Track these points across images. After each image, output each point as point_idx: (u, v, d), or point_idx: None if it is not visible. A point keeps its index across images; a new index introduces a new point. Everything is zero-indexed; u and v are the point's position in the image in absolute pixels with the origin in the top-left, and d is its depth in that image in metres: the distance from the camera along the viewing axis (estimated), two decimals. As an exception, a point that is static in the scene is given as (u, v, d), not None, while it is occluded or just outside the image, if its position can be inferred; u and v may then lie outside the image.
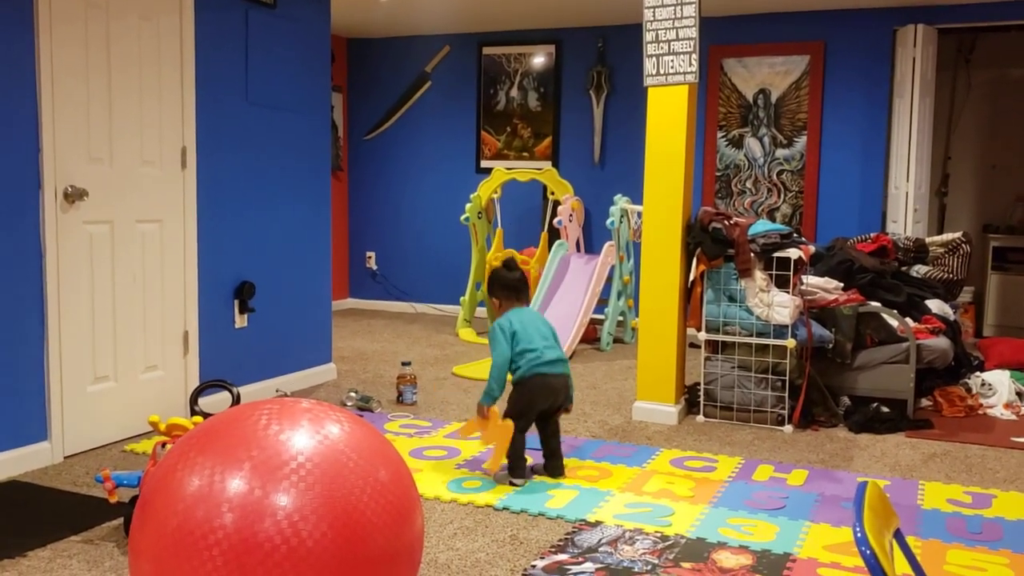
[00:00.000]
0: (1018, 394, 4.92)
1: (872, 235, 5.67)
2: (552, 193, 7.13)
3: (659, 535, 3.05)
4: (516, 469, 3.61)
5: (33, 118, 3.60)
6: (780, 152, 6.97)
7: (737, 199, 7.10)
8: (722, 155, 7.13)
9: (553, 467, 3.70)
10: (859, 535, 1.49)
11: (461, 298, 7.15)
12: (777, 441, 4.27)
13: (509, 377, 3.62)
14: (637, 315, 5.25)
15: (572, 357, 6.18)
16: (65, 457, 3.79)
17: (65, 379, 3.78)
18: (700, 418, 4.61)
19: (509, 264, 3.80)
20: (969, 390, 4.91)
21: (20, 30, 3.53)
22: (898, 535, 1.75)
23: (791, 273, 4.36)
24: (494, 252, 6.91)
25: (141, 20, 4.06)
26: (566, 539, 3.01)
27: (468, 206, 7.00)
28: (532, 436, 3.66)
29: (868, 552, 1.46)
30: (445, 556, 2.88)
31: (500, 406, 3.59)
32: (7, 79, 3.51)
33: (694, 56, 4.32)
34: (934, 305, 5.14)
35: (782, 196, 6.98)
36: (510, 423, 3.56)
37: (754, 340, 4.45)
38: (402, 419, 4.54)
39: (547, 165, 7.57)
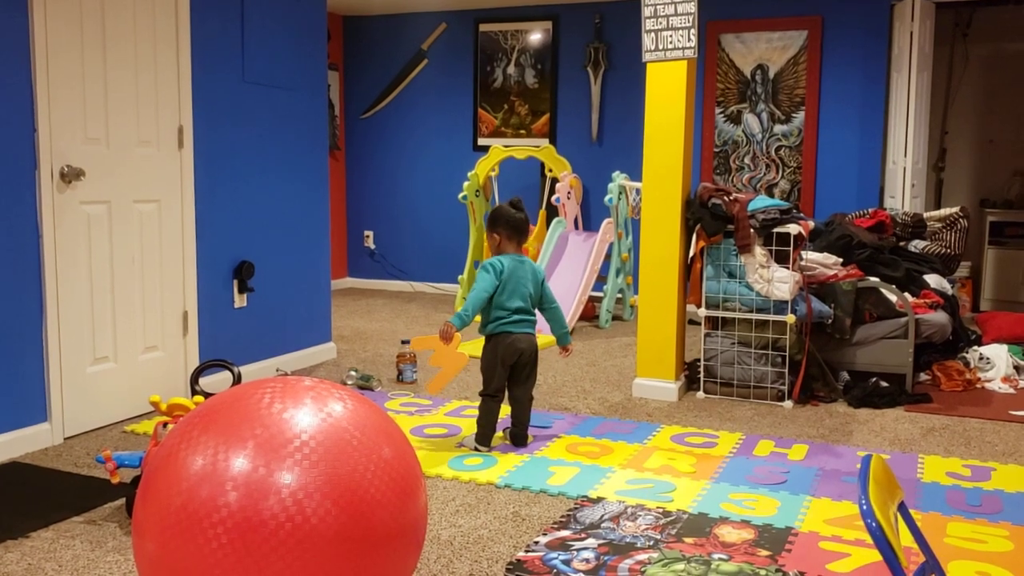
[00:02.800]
0: (1015, 368, 4.93)
1: (870, 210, 5.66)
2: (550, 170, 7.10)
3: (661, 511, 3.06)
4: (483, 437, 3.71)
5: (28, 97, 3.57)
6: (778, 128, 6.94)
7: (735, 175, 7.08)
8: (720, 131, 7.10)
9: (515, 435, 3.77)
10: (864, 507, 1.50)
11: (459, 276, 7.14)
12: (777, 416, 4.28)
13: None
14: (636, 292, 5.25)
15: (571, 334, 6.16)
16: (65, 438, 3.79)
17: (64, 360, 3.77)
18: (700, 394, 4.62)
19: (516, 203, 3.81)
20: (967, 364, 4.93)
21: (13, 4, 3.50)
22: (902, 508, 1.75)
23: (791, 249, 4.36)
24: (492, 230, 6.89)
25: (135, -2, 4.03)
26: (568, 515, 3.02)
27: (466, 184, 6.97)
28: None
29: (874, 524, 1.46)
30: (448, 533, 2.88)
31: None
32: (1, 56, 3.47)
33: (692, 31, 4.30)
34: (932, 280, 5.15)
35: (780, 172, 6.97)
36: (465, 355, 3.68)
37: (754, 316, 4.45)
38: (402, 397, 4.54)
39: (545, 142, 7.54)
